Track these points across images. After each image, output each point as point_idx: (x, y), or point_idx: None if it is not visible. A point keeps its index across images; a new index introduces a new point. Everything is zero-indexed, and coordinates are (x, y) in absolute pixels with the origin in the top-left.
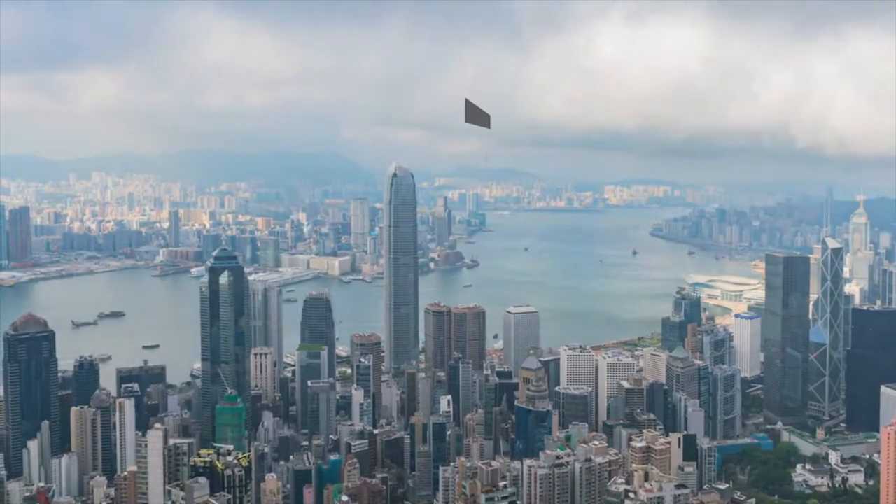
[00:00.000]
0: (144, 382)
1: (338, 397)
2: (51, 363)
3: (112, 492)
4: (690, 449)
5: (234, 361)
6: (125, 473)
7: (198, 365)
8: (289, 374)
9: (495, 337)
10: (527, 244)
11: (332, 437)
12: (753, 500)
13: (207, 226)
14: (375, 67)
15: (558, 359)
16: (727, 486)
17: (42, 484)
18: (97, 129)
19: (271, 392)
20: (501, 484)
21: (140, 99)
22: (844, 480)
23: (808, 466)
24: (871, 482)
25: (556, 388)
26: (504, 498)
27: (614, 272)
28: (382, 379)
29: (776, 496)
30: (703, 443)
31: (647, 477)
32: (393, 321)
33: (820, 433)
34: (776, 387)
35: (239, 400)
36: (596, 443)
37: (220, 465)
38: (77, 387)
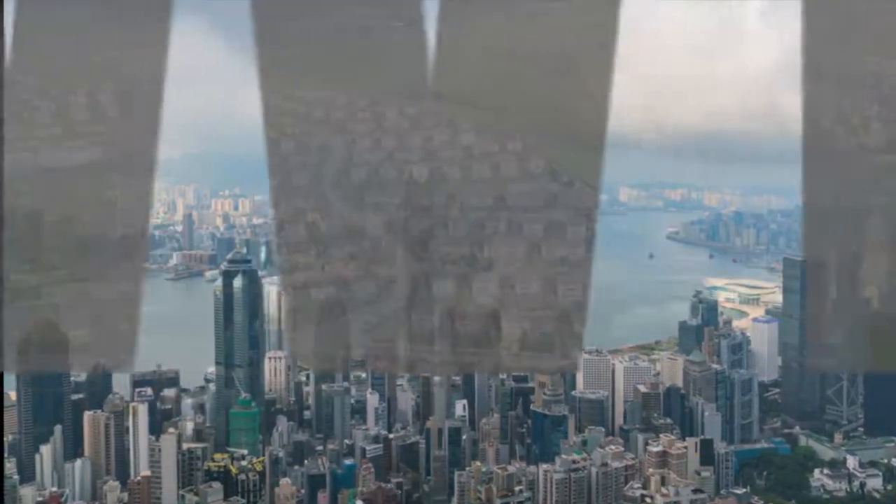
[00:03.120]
0: (158, 387)
1: (352, 401)
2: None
3: (125, 496)
4: (707, 453)
5: (249, 365)
6: (138, 478)
7: (212, 369)
8: (303, 378)
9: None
10: None
11: (346, 441)
12: None
13: (221, 229)
14: None
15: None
16: (744, 490)
17: (55, 489)
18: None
19: (285, 396)
20: (517, 488)
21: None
22: (862, 485)
23: (825, 471)
24: (889, 487)
25: (573, 393)
26: (520, 503)
27: (630, 275)
28: (398, 383)
29: (793, 501)
30: (721, 447)
31: (663, 482)
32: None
33: (838, 437)
34: (794, 391)
35: (253, 404)
36: (612, 447)
37: (234, 470)
38: (90, 391)
